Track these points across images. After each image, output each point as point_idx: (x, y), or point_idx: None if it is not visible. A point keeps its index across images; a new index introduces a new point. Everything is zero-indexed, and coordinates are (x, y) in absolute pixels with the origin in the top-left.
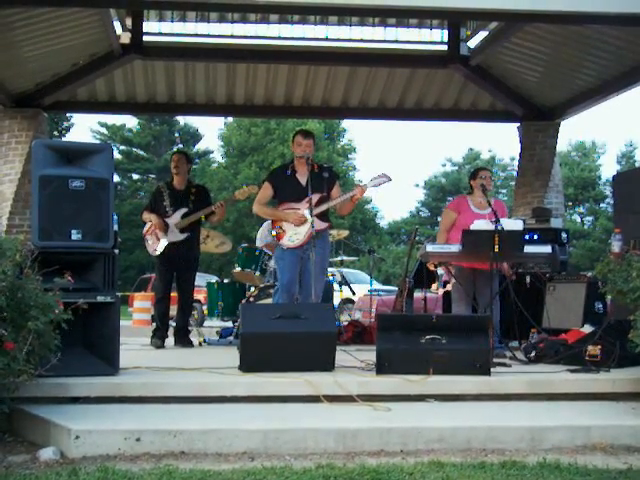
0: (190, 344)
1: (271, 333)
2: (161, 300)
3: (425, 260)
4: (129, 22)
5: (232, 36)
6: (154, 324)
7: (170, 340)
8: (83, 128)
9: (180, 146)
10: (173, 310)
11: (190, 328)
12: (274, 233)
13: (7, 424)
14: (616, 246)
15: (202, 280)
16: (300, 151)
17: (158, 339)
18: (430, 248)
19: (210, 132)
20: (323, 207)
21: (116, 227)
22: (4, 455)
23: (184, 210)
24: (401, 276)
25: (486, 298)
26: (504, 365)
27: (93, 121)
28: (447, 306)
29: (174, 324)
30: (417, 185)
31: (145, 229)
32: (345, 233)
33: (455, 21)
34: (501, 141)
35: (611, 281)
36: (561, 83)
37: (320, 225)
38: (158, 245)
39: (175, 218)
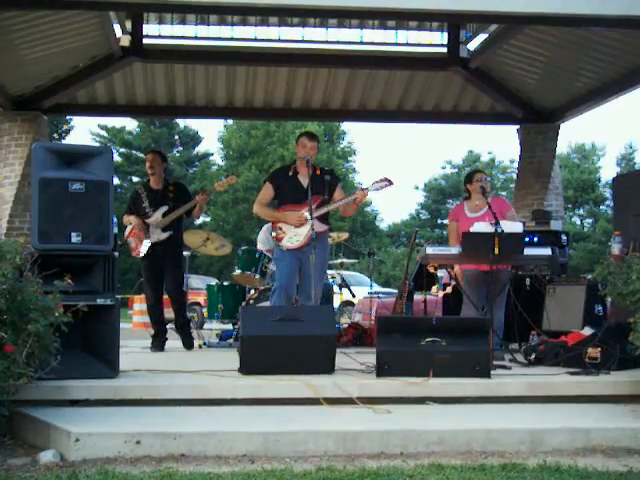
0: (192, 341)
1: (271, 336)
2: (153, 305)
3: (425, 262)
4: (129, 25)
5: (232, 39)
6: (152, 329)
7: (170, 343)
8: (83, 131)
9: (180, 149)
10: (168, 313)
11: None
12: (274, 234)
13: (7, 427)
14: (616, 248)
15: (202, 282)
16: (304, 153)
17: (157, 347)
18: (430, 250)
19: (210, 134)
20: (324, 210)
21: (116, 230)
22: (4, 458)
23: (164, 209)
24: (401, 278)
25: (494, 298)
26: (504, 367)
27: (93, 124)
28: (447, 308)
29: (173, 326)
30: (417, 187)
31: (126, 233)
32: (345, 235)
33: (455, 23)
34: (501, 143)
35: (611, 283)
36: (561, 85)
37: (320, 227)
38: (141, 246)
39: (156, 217)
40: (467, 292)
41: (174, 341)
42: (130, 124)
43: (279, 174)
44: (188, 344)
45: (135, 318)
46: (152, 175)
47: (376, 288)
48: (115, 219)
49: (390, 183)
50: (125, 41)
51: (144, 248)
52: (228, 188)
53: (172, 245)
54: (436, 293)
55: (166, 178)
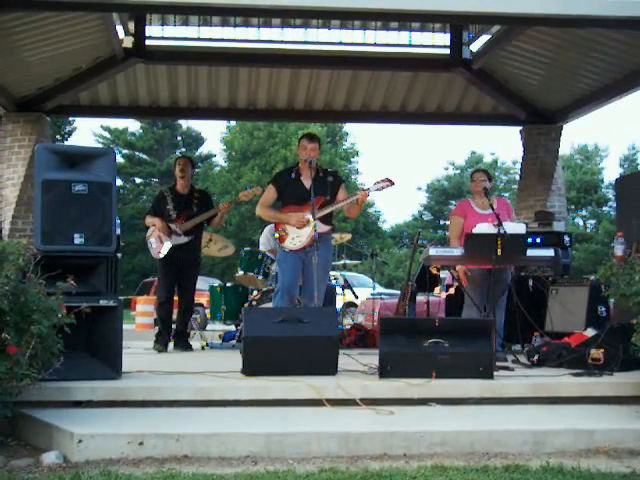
0: (189, 348)
1: (274, 337)
2: (164, 304)
3: (428, 264)
4: (132, 26)
5: (234, 40)
6: (156, 328)
7: (171, 344)
8: (86, 132)
9: (183, 150)
10: (176, 314)
11: (192, 332)
12: (276, 236)
13: (10, 428)
14: (619, 249)
15: (205, 284)
16: (305, 155)
17: (161, 344)
18: (433, 252)
19: (212, 136)
20: (326, 210)
21: (119, 231)
22: (7, 459)
23: (188, 214)
24: (404, 279)
25: (496, 300)
26: (507, 369)
27: (96, 125)
28: (450, 310)
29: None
30: (420, 188)
31: (148, 233)
32: (348, 236)
33: (457, 25)
34: (503, 144)
35: (614, 284)
36: (563, 86)
37: (322, 228)
38: (162, 248)
39: (179, 221)
40: (469, 292)
41: None
42: (133, 125)
43: (281, 176)
44: (185, 349)
45: (138, 319)
46: (182, 179)
47: (379, 289)
48: (118, 220)
49: (391, 183)
50: (128, 42)
51: (165, 250)
52: (230, 189)
53: (191, 250)
54: (439, 294)
55: (192, 184)
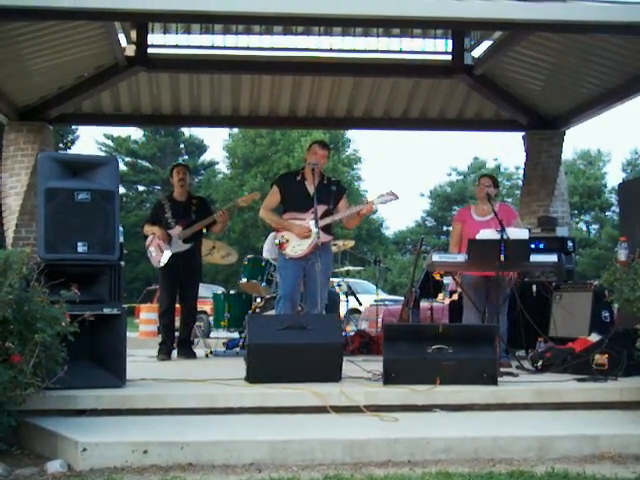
0: (193, 355)
1: (278, 344)
2: (166, 312)
3: (431, 270)
4: (134, 35)
5: (236, 47)
6: (160, 336)
7: (175, 351)
8: (88, 140)
9: (186, 157)
10: (179, 322)
11: (196, 339)
12: (277, 242)
13: (14, 437)
14: (622, 254)
15: (208, 291)
16: (314, 159)
17: (164, 354)
18: (436, 258)
19: (215, 143)
20: (328, 220)
21: (122, 239)
22: (12, 468)
23: (187, 221)
24: (407, 286)
25: (495, 306)
26: (511, 375)
27: (98, 133)
28: (453, 316)
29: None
30: (422, 194)
31: (147, 241)
32: (351, 243)
33: (459, 31)
34: (506, 150)
35: (618, 289)
36: (565, 92)
37: (324, 237)
38: (162, 256)
39: (177, 229)
40: (468, 296)
41: None
42: (135, 133)
43: (286, 178)
44: (189, 357)
45: (142, 327)
46: (181, 187)
47: (382, 296)
48: (121, 228)
49: (395, 197)
50: (130, 51)
51: (165, 258)
52: (233, 197)
53: (192, 257)
54: (442, 300)
55: (189, 192)
